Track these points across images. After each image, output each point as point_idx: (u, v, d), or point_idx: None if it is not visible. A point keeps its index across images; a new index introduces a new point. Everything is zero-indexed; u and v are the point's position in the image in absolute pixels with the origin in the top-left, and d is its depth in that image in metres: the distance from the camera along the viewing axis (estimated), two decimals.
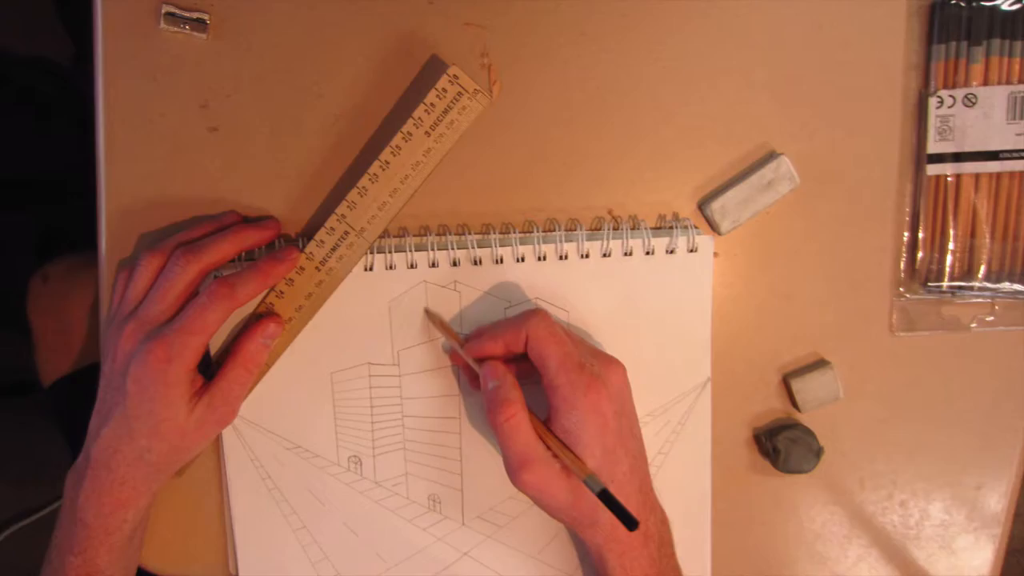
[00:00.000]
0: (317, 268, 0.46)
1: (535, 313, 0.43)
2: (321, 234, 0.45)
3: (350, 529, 0.50)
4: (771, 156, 0.48)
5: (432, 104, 0.44)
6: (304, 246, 0.45)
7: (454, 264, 0.47)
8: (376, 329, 0.48)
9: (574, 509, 0.42)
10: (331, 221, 0.45)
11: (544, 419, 0.43)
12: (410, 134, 0.44)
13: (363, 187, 0.45)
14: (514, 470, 0.41)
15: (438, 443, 0.49)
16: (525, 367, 0.44)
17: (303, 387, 0.48)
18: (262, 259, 0.45)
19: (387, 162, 0.45)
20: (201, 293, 0.43)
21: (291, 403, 0.48)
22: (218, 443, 0.49)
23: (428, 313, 0.48)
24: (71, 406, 0.65)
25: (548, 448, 0.41)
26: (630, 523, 0.39)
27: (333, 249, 0.45)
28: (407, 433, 0.49)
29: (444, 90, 0.44)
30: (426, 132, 0.44)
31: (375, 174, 0.45)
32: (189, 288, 0.44)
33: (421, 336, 0.48)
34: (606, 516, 0.42)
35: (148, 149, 0.47)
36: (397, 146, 0.44)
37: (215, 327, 0.43)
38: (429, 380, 0.48)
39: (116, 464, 0.43)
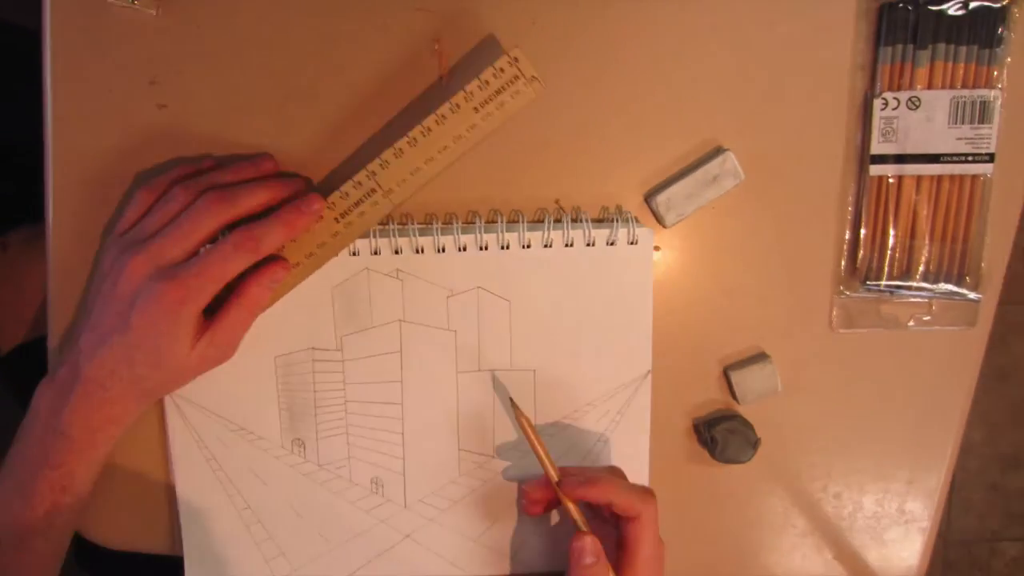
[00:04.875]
0: (336, 219, 0.45)
1: (653, 498, 0.44)
2: (347, 186, 0.45)
3: (294, 510, 0.50)
4: (717, 151, 0.48)
5: (487, 81, 0.44)
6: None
7: (396, 252, 0.48)
8: (319, 315, 0.48)
9: None
10: (360, 175, 0.45)
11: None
12: (458, 106, 0.44)
13: (400, 148, 0.44)
14: None
15: (381, 428, 0.50)
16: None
17: (247, 370, 0.49)
18: (286, 209, 0.44)
19: (429, 129, 0.44)
20: (226, 242, 0.42)
21: (236, 386, 0.49)
22: (163, 423, 0.49)
23: (519, 414, 0.46)
24: (27, 374, 0.65)
25: None
26: None
27: (356, 204, 0.45)
28: (350, 418, 0.50)
29: (501, 70, 0.44)
30: (475, 108, 0.44)
31: (415, 138, 0.44)
32: (212, 235, 0.44)
33: (363, 322, 0.49)
34: None
35: (96, 124, 0.47)
36: (443, 115, 0.44)
37: (233, 276, 0.43)
38: (372, 366, 0.49)
39: (112, 384, 0.44)
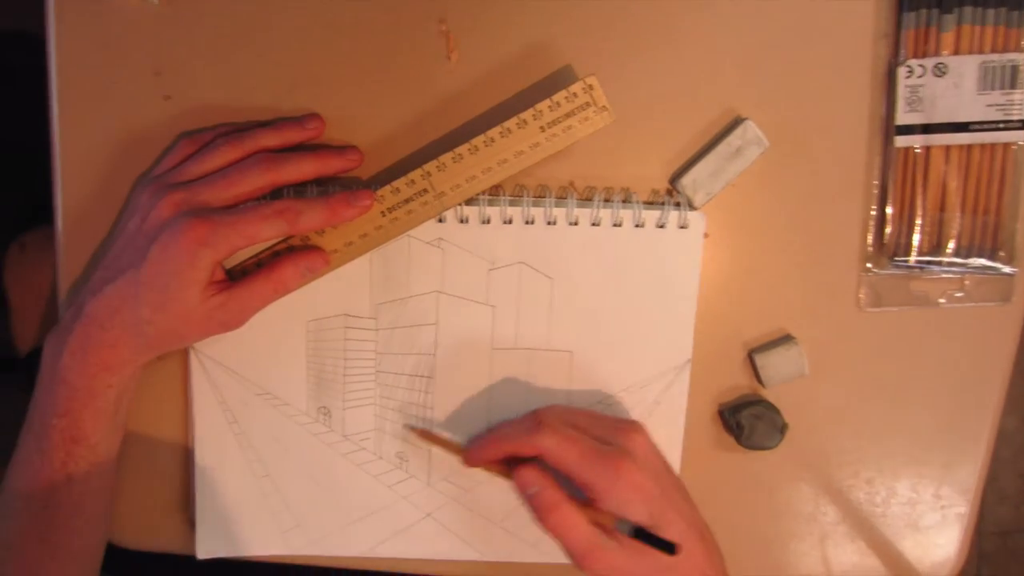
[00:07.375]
0: (383, 213, 0.45)
1: (543, 424, 0.43)
2: (400, 183, 0.44)
3: (314, 481, 0.49)
4: (736, 122, 0.47)
5: (558, 103, 0.44)
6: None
7: (440, 220, 0.47)
8: (355, 281, 0.47)
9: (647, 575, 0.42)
10: (415, 174, 0.44)
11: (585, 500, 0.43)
12: (525, 122, 0.44)
13: (459, 154, 0.44)
14: (580, 563, 0.41)
15: (410, 401, 0.49)
16: None
17: (277, 333, 0.48)
18: (336, 196, 0.43)
19: (492, 140, 0.44)
20: (269, 204, 0.42)
21: (264, 349, 0.48)
22: (187, 383, 0.49)
23: (415, 432, 0.49)
24: None
25: (599, 524, 0.41)
26: (669, 548, 0.41)
27: (406, 201, 0.45)
28: (379, 389, 0.49)
29: (575, 95, 0.43)
30: (541, 127, 0.44)
31: (476, 146, 0.44)
32: (254, 194, 0.43)
33: (400, 291, 0.48)
34: (681, 570, 0.42)
35: (101, 118, 0.47)
36: (508, 129, 0.44)
37: (262, 240, 0.42)
38: (405, 336, 0.48)
39: (111, 325, 0.42)
